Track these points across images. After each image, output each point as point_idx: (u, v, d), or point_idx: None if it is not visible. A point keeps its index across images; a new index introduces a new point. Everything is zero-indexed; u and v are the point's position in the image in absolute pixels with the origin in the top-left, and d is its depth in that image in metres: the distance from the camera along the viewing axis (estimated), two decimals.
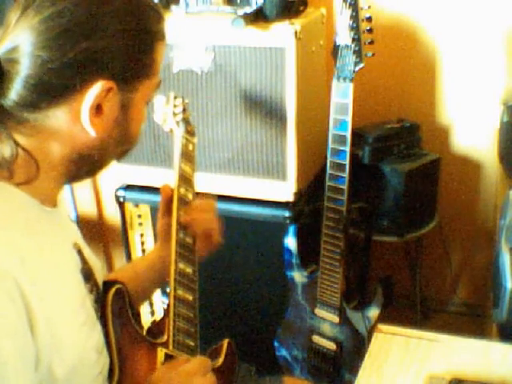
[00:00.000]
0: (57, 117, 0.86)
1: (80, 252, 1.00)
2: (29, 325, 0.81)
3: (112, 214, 2.46)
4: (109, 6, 0.84)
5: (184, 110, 1.36)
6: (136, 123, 0.95)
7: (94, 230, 2.57)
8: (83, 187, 2.48)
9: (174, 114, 1.35)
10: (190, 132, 1.35)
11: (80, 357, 0.90)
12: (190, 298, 1.15)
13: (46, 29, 0.81)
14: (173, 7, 1.79)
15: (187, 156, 1.31)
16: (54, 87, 0.83)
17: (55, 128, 0.87)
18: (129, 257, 2.07)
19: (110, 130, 0.91)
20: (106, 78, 0.85)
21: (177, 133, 1.34)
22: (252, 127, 1.74)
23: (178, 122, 1.34)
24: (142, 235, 2.04)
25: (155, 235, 2.00)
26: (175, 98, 1.37)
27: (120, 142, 0.94)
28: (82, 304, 0.95)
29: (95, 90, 0.85)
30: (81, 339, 0.92)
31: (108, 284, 1.06)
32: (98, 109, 0.87)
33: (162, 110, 1.35)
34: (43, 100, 0.84)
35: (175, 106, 1.36)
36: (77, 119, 0.86)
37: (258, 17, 1.64)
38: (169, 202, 1.22)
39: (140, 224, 2.03)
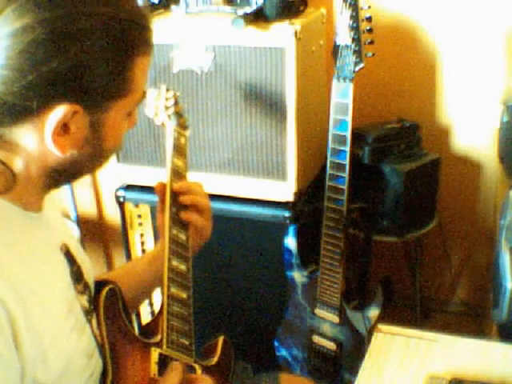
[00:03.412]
0: (22, 134, 0.82)
1: (68, 253, 0.98)
2: (13, 342, 0.79)
3: (112, 214, 2.46)
4: (78, 25, 0.77)
5: (176, 103, 1.33)
6: (111, 139, 0.90)
7: (94, 230, 2.57)
8: (83, 187, 2.48)
9: (166, 108, 1.31)
10: (182, 125, 1.32)
11: (69, 363, 0.89)
12: (184, 295, 1.13)
13: (9, 45, 0.76)
14: (173, 7, 1.79)
15: (179, 150, 1.28)
16: (14, 107, 0.79)
17: (23, 144, 0.83)
18: (129, 257, 2.07)
19: (80, 148, 0.86)
20: (70, 102, 0.80)
21: (169, 126, 1.31)
22: (252, 127, 1.74)
23: (169, 116, 1.31)
24: (141, 235, 2.04)
25: (155, 235, 2.00)
26: (167, 90, 1.33)
27: (93, 157, 0.90)
28: (70, 309, 0.93)
29: (58, 113, 0.80)
30: (70, 346, 0.90)
31: (100, 284, 1.04)
32: (65, 127, 0.83)
33: (154, 104, 1.32)
34: (5, 117, 0.80)
35: (167, 99, 1.32)
36: (43, 138, 0.82)
37: (258, 17, 1.64)
38: (165, 197, 1.21)
39: (140, 224, 2.03)
